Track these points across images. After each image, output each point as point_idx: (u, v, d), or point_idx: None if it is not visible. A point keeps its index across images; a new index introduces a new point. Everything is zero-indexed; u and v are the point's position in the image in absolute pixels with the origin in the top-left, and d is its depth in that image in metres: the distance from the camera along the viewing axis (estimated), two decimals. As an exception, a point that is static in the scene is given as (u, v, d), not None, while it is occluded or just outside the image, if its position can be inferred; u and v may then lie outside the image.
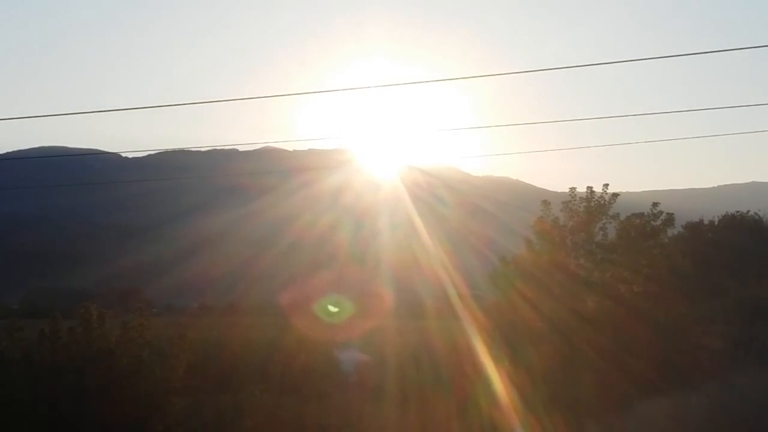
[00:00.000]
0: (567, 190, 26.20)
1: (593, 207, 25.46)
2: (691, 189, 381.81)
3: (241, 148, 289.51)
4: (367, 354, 32.55)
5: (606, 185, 25.71)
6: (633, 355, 22.87)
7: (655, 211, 25.67)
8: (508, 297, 25.36)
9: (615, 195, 25.64)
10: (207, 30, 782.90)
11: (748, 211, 45.08)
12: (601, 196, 25.54)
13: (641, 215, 25.82)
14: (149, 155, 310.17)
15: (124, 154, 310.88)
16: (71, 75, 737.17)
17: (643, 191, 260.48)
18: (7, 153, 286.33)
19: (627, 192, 33.20)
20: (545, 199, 26.63)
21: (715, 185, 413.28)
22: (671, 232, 27.62)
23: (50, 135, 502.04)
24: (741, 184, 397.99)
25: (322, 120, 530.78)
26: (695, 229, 41.98)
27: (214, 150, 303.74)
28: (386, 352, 30.68)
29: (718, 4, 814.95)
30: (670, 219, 25.85)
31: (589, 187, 25.74)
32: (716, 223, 44.32)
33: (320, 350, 31.59)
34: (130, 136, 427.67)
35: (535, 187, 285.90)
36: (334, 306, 41.49)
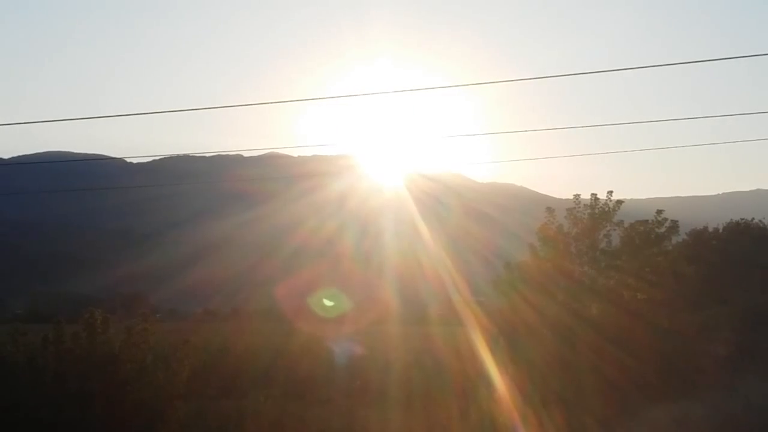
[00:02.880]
0: (571, 197, 26.24)
1: (597, 214, 25.47)
2: (696, 196, 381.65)
3: (245, 154, 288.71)
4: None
5: (610, 192, 25.74)
6: (637, 361, 22.85)
7: (660, 219, 25.68)
8: (512, 303, 25.36)
9: (619, 202, 25.65)
10: (211, 35, 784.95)
11: (753, 218, 44.94)
12: (606, 203, 25.55)
13: (645, 222, 25.82)
14: (154, 160, 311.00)
15: (128, 160, 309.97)
16: (76, 80, 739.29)
17: (648, 198, 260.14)
18: (12, 158, 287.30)
19: (631, 199, 33.22)
20: (549, 206, 26.65)
21: (720, 192, 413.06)
22: (675, 239, 27.60)
23: (55, 140, 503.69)
24: (746, 191, 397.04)
25: (327, 126, 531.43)
26: (699, 236, 41.84)
27: (219, 156, 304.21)
28: (390, 357, 30.67)
29: (723, 12, 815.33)
30: (674, 226, 25.85)
31: (594, 194, 25.75)
32: (721, 230, 44.17)
33: (324, 356, 31.57)
34: (135, 142, 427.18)
35: (539, 193, 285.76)
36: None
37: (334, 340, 33.62)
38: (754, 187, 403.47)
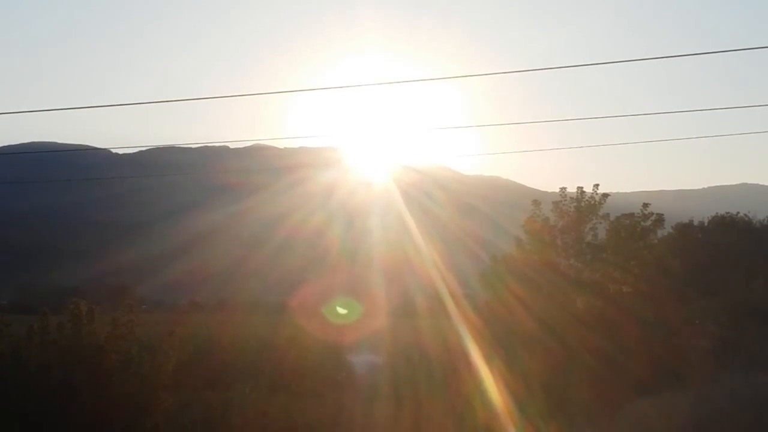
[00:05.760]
0: (557, 190, 26.30)
1: (583, 207, 25.55)
2: (682, 190, 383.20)
3: (231, 146, 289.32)
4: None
5: (596, 185, 25.81)
6: (624, 354, 22.94)
7: (646, 212, 25.78)
8: (499, 296, 25.41)
9: (605, 195, 25.72)
10: (198, 27, 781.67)
11: (738, 212, 45.25)
12: (592, 197, 25.63)
13: (631, 216, 25.93)
14: (140, 152, 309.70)
15: (114, 151, 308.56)
16: (61, 70, 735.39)
17: (634, 192, 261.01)
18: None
19: (617, 192, 33.33)
20: (536, 199, 26.71)
21: (705, 186, 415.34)
22: (661, 232, 27.76)
23: (40, 130, 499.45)
24: (731, 185, 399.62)
25: (313, 118, 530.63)
26: (685, 229, 42.10)
27: (205, 147, 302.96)
28: (378, 350, 30.70)
29: (708, 6, 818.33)
30: (660, 219, 25.96)
31: (580, 188, 25.83)
32: (706, 224, 44.49)
33: (312, 349, 31.49)
34: (121, 133, 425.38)
35: (526, 186, 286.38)
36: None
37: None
38: (739, 181, 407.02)
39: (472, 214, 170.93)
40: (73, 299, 20.14)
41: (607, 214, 25.87)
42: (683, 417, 20.83)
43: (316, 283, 75.95)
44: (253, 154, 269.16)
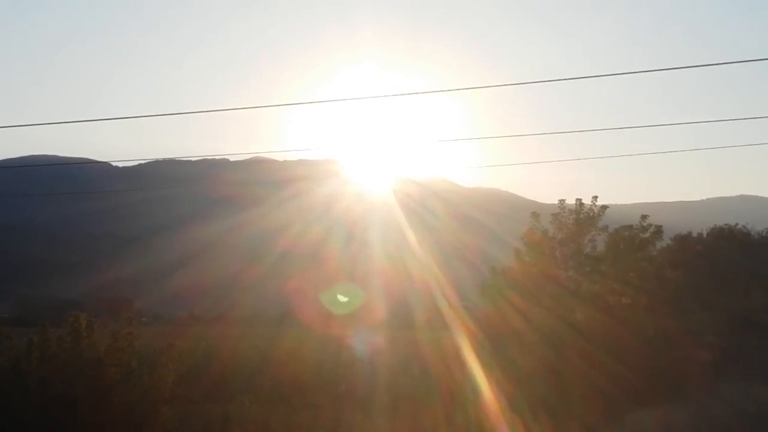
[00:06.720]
0: (556, 202, 26.35)
1: (582, 219, 25.60)
2: (680, 202, 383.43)
3: (231, 158, 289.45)
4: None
5: (595, 197, 25.88)
6: (623, 365, 22.95)
7: (644, 224, 25.83)
8: (498, 307, 25.43)
9: (604, 207, 25.78)
10: (198, 40, 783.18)
11: (737, 223, 45.18)
12: (590, 209, 25.68)
13: (630, 227, 25.97)
14: (140, 165, 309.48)
15: (114, 164, 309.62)
16: (62, 83, 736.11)
17: (633, 204, 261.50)
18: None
19: (616, 204, 33.45)
20: (535, 211, 26.77)
21: (704, 198, 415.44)
22: (660, 244, 27.78)
23: (40, 144, 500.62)
24: (730, 197, 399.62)
25: (313, 130, 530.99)
26: (684, 241, 42.00)
27: (205, 160, 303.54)
28: (376, 362, 30.67)
29: (708, 19, 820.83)
30: (658, 231, 26.01)
31: (578, 200, 25.89)
32: (705, 235, 44.37)
33: (311, 361, 31.51)
34: (121, 146, 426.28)
35: (525, 198, 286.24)
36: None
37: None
38: (738, 193, 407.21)
39: (471, 226, 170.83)
40: (72, 312, 20.19)
41: (606, 226, 25.92)
42: (683, 428, 20.85)
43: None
44: (253, 166, 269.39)
